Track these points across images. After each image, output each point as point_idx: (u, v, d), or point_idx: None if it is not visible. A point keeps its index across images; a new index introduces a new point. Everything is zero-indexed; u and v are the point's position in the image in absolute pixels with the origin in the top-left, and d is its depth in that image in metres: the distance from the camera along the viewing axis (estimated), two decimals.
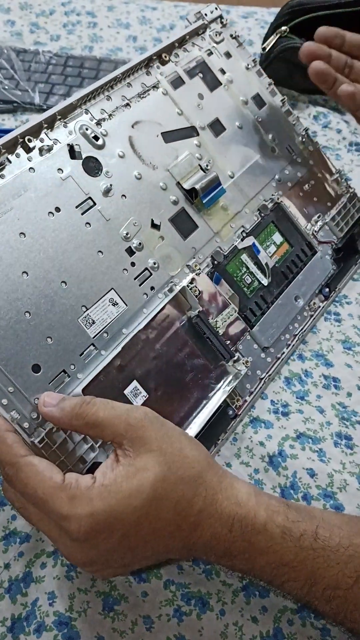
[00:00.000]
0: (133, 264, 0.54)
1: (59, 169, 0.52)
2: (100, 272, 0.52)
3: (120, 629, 0.47)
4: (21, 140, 0.50)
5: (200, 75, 0.64)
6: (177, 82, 0.62)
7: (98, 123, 0.55)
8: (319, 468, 0.55)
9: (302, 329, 0.63)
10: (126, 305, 0.52)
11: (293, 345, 0.62)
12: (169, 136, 0.59)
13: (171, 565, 0.50)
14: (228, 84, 0.66)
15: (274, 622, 0.48)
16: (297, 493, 0.54)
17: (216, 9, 0.68)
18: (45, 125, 0.52)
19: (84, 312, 0.50)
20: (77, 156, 0.53)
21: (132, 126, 0.57)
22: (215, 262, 0.59)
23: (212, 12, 0.67)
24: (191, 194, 0.59)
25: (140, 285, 0.54)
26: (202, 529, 0.42)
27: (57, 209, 0.50)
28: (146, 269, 0.54)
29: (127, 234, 0.54)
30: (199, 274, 0.57)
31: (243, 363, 0.57)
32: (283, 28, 0.85)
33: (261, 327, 0.60)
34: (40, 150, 0.51)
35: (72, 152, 0.53)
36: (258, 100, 0.68)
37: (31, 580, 0.49)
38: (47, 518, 0.42)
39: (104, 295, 0.51)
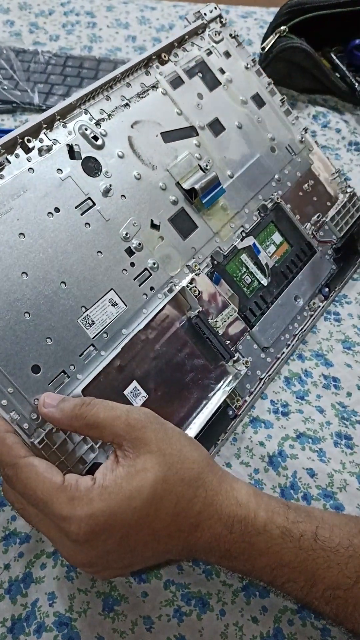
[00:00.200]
0: (133, 264, 0.54)
1: (59, 169, 0.52)
2: (99, 272, 0.51)
3: (121, 629, 0.47)
4: (20, 140, 0.50)
5: (200, 75, 0.64)
6: (176, 82, 0.62)
7: (97, 123, 0.55)
8: (319, 468, 0.55)
9: (301, 329, 0.63)
10: (126, 305, 0.52)
11: (293, 345, 0.62)
12: (169, 136, 0.59)
13: (171, 565, 0.50)
14: (227, 84, 0.66)
15: (274, 622, 0.48)
16: (297, 493, 0.54)
17: (215, 8, 0.67)
18: (45, 126, 0.52)
19: (84, 312, 0.50)
20: (77, 156, 0.53)
21: (132, 126, 0.57)
22: (215, 262, 0.59)
23: (211, 12, 0.67)
24: (191, 194, 0.59)
25: (139, 285, 0.54)
26: (202, 529, 0.42)
27: (57, 210, 0.50)
28: (146, 269, 0.54)
29: (126, 234, 0.54)
30: (199, 274, 0.57)
31: (243, 363, 0.57)
32: (282, 28, 0.85)
33: (261, 327, 0.60)
34: (40, 150, 0.51)
35: (72, 153, 0.53)
36: (257, 100, 0.68)
37: (31, 580, 0.49)
38: (46, 519, 0.42)
39: (103, 296, 0.51)
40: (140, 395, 0.51)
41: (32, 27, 1.01)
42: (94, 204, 0.53)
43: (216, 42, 0.66)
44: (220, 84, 0.65)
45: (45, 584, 0.49)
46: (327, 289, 0.67)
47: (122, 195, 0.55)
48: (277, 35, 0.85)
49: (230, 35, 0.68)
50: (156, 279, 0.55)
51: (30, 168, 0.50)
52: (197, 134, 0.62)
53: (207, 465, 0.44)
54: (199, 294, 0.56)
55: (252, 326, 0.60)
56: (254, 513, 0.43)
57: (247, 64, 0.68)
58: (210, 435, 0.54)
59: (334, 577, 0.42)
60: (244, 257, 0.61)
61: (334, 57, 0.88)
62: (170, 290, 0.55)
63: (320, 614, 0.48)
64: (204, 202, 0.59)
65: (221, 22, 0.68)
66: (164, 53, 0.62)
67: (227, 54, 0.67)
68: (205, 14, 0.67)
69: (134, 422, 0.42)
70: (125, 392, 0.50)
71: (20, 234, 0.48)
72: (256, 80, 0.69)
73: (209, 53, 0.66)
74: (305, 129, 0.70)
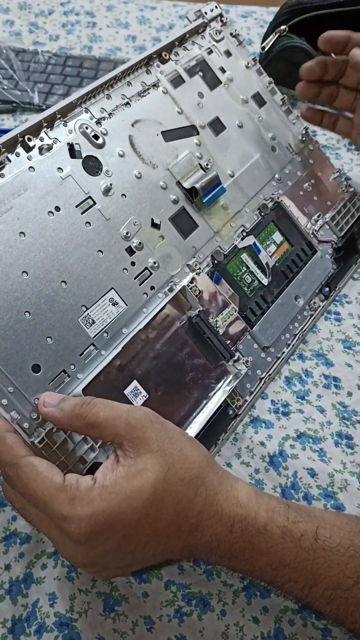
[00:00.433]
0: (133, 264, 0.54)
1: (59, 168, 0.51)
2: (100, 271, 0.51)
3: (121, 629, 0.47)
4: (21, 139, 0.50)
5: (200, 73, 0.64)
6: (177, 81, 0.62)
7: (98, 122, 0.55)
8: (320, 468, 0.55)
9: (302, 329, 0.63)
10: (126, 304, 0.52)
11: (293, 344, 0.62)
12: (169, 135, 0.59)
13: (172, 565, 0.50)
14: (228, 83, 0.66)
15: (275, 623, 0.48)
16: (297, 493, 0.54)
17: (216, 7, 0.67)
18: (45, 124, 0.52)
19: (84, 311, 0.50)
20: (77, 155, 0.53)
21: (132, 125, 0.57)
22: (216, 261, 0.59)
23: (212, 11, 0.67)
24: (191, 193, 0.59)
25: (140, 284, 0.54)
26: (202, 529, 0.42)
27: (57, 208, 0.50)
28: (146, 268, 0.54)
29: (127, 233, 0.54)
30: (199, 273, 0.57)
31: (243, 363, 0.57)
32: (282, 27, 0.85)
33: (261, 327, 0.60)
34: (40, 149, 0.51)
35: (72, 151, 0.53)
36: (258, 99, 0.68)
37: (32, 581, 0.49)
38: (47, 519, 0.42)
39: (104, 295, 0.51)
40: (141, 394, 0.50)
41: (32, 27, 1.01)
42: (95, 203, 0.53)
43: (217, 41, 0.66)
44: (221, 83, 0.65)
45: (45, 584, 0.49)
46: (327, 289, 0.66)
47: (123, 194, 0.54)
48: (277, 34, 0.85)
49: (231, 34, 0.68)
50: (157, 278, 0.55)
51: (30, 167, 0.50)
52: (198, 133, 0.61)
53: (208, 464, 0.44)
54: (199, 293, 0.56)
55: (252, 326, 0.60)
56: (254, 513, 0.43)
57: (248, 63, 0.68)
58: (210, 434, 0.54)
59: (335, 577, 0.42)
60: (245, 256, 0.61)
61: (334, 57, 0.88)
62: (171, 290, 0.55)
63: (321, 614, 0.48)
64: (204, 201, 0.59)
65: (222, 21, 0.68)
66: (164, 52, 0.62)
67: (228, 53, 0.67)
68: (205, 13, 0.67)
69: (134, 421, 0.42)
70: (126, 392, 0.50)
71: (21, 232, 0.48)
72: (257, 79, 0.69)
73: (210, 52, 0.66)
74: (306, 129, 0.70)
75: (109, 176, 0.54)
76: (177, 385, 0.53)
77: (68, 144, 0.53)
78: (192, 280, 0.56)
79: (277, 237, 0.64)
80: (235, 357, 0.57)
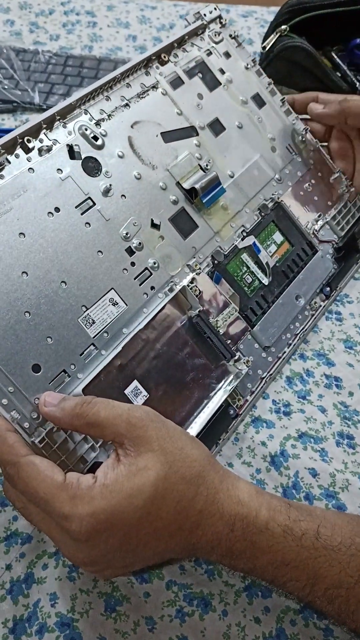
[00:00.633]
0: (133, 264, 0.54)
1: (59, 169, 0.51)
2: (100, 272, 0.51)
3: (123, 629, 0.47)
4: (20, 140, 0.50)
5: (200, 75, 0.64)
6: (176, 82, 0.62)
7: (97, 123, 0.55)
8: (321, 468, 0.55)
9: (303, 328, 0.63)
10: (126, 305, 0.52)
11: (294, 344, 0.62)
12: (169, 136, 0.59)
13: (173, 565, 0.50)
14: (227, 84, 0.66)
15: (276, 623, 0.48)
16: (299, 493, 0.54)
17: (215, 9, 0.67)
18: (45, 126, 0.52)
19: (84, 311, 0.50)
20: (77, 156, 0.53)
21: (132, 126, 0.57)
22: (216, 261, 0.59)
23: (211, 13, 0.67)
24: (191, 194, 0.58)
25: (140, 285, 0.54)
26: (203, 528, 0.42)
27: (57, 209, 0.50)
28: (146, 268, 0.54)
29: (127, 233, 0.54)
30: (199, 273, 0.57)
31: (244, 362, 0.57)
32: (283, 27, 0.85)
33: (262, 327, 0.60)
34: (40, 150, 0.51)
35: (72, 153, 0.53)
36: (258, 100, 0.68)
37: (33, 581, 0.49)
38: (48, 518, 0.42)
39: (104, 295, 0.51)
40: (141, 394, 0.50)
41: (33, 27, 1.01)
42: (94, 204, 0.53)
43: (216, 43, 0.66)
44: (221, 84, 0.65)
45: (47, 584, 0.49)
46: (328, 289, 0.66)
47: (123, 195, 0.54)
48: (278, 34, 0.85)
49: (230, 35, 0.68)
50: (157, 279, 0.55)
51: (30, 168, 0.50)
52: (197, 134, 0.61)
53: (209, 463, 0.44)
54: (199, 293, 0.56)
55: (253, 325, 0.60)
56: (255, 511, 0.43)
57: (247, 64, 0.68)
58: (211, 434, 0.54)
59: (336, 575, 0.42)
60: (245, 256, 0.61)
61: (335, 57, 0.88)
62: (171, 290, 0.55)
63: (322, 614, 0.48)
64: (204, 201, 0.59)
65: (221, 22, 0.68)
66: (163, 53, 0.62)
67: (227, 55, 0.67)
68: (204, 15, 0.67)
69: (135, 420, 0.42)
70: (126, 392, 0.50)
71: (21, 233, 0.48)
72: (256, 80, 0.69)
73: (209, 53, 0.66)
74: (306, 129, 0.70)
75: (108, 177, 0.54)
76: (177, 385, 0.53)
77: (67, 145, 0.53)
78: (192, 280, 0.56)
79: (278, 237, 0.64)
80: (236, 357, 0.57)
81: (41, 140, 0.51)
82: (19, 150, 0.50)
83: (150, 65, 0.61)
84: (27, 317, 0.47)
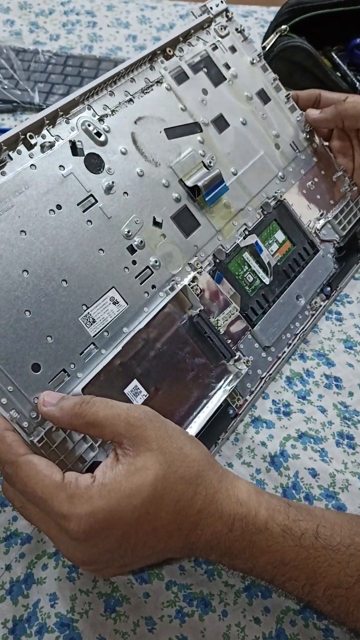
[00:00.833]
0: (134, 262, 0.53)
1: (61, 166, 0.51)
2: (101, 270, 0.51)
3: (123, 630, 0.47)
4: (22, 136, 0.50)
5: (205, 70, 0.64)
6: (181, 77, 0.61)
7: (101, 119, 0.55)
8: (321, 468, 0.55)
9: (303, 328, 0.63)
10: (127, 303, 0.52)
11: (294, 344, 0.62)
12: (172, 132, 0.59)
13: (173, 566, 0.50)
14: (232, 79, 0.65)
15: (276, 623, 0.48)
16: (299, 493, 0.54)
17: (222, 2, 0.67)
18: (47, 122, 0.51)
19: (85, 310, 0.50)
20: (79, 153, 0.52)
21: (135, 122, 0.57)
22: (217, 260, 0.59)
23: (217, 6, 0.66)
24: (194, 192, 0.58)
25: (141, 283, 0.53)
26: (202, 527, 0.42)
27: (58, 207, 0.50)
28: (147, 267, 0.54)
29: (128, 231, 0.53)
30: (201, 272, 0.57)
31: (244, 362, 0.57)
32: (283, 27, 0.85)
33: (262, 326, 0.60)
34: (42, 146, 0.51)
35: (74, 149, 0.52)
36: (262, 96, 0.67)
37: (32, 581, 0.49)
38: (46, 517, 0.42)
39: (104, 294, 0.51)
40: (141, 394, 0.50)
41: (33, 27, 1.00)
42: (96, 201, 0.52)
43: (222, 37, 0.66)
44: (226, 79, 0.65)
45: (46, 584, 0.48)
46: (329, 288, 0.66)
47: (125, 192, 0.54)
48: (278, 34, 0.85)
49: (236, 29, 0.67)
50: (158, 277, 0.54)
51: (32, 165, 0.50)
52: (201, 131, 0.61)
53: (208, 463, 0.44)
54: (200, 292, 0.56)
55: (253, 325, 0.60)
56: (254, 511, 0.43)
57: (253, 59, 0.68)
58: (210, 434, 0.54)
59: (335, 575, 0.42)
60: (246, 255, 0.61)
61: (335, 56, 0.88)
62: (172, 289, 0.54)
63: (322, 614, 0.48)
64: (206, 199, 0.58)
65: (227, 16, 0.67)
66: (169, 48, 0.61)
67: (233, 49, 0.67)
68: (211, 8, 0.66)
69: (133, 420, 0.42)
70: (126, 391, 0.50)
71: (22, 231, 0.48)
72: (261, 75, 0.68)
73: (215, 48, 0.65)
74: (310, 126, 0.70)
75: (111, 174, 0.54)
76: (177, 384, 0.53)
77: (70, 141, 0.52)
78: (194, 279, 0.55)
79: (280, 236, 0.64)
80: (236, 357, 0.56)
81: (43, 137, 0.51)
82: (21, 147, 0.50)
83: (155, 59, 0.60)
84: (27, 316, 0.47)
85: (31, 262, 0.48)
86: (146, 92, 0.58)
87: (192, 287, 0.55)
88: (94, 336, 0.50)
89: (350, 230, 0.69)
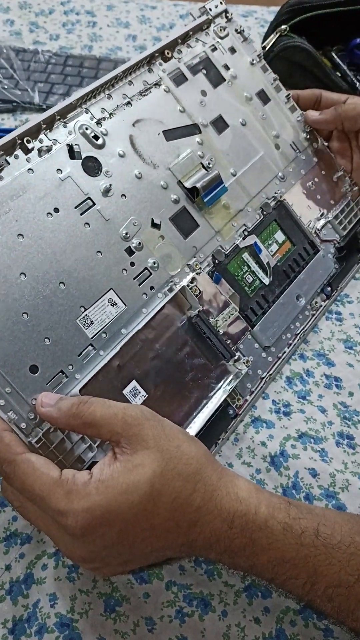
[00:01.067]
0: (132, 264, 0.53)
1: (58, 170, 0.51)
2: (99, 272, 0.51)
3: (122, 630, 0.47)
4: (19, 141, 0.50)
5: (204, 71, 0.64)
6: (179, 79, 0.61)
7: (98, 122, 0.55)
8: (321, 468, 0.55)
9: (303, 328, 0.63)
10: (125, 305, 0.52)
11: (294, 344, 0.62)
12: (171, 134, 0.59)
13: (173, 566, 0.50)
14: (232, 80, 0.65)
15: (276, 623, 0.48)
16: (299, 493, 0.54)
17: (221, 3, 0.67)
18: (44, 126, 0.52)
19: (83, 312, 0.50)
20: (77, 156, 0.53)
21: (133, 125, 0.57)
22: (216, 261, 0.59)
23: (216, 7, 0.66)
24: (192, 193, 0.58)
25: (139, 285, 0.53)
26: (201, 525, 0.42)
27: (56, 210, 0.50)
28: (146, 268, 0.54)
29: (126, 233, 0.53)
30: (200, 273, 0.57)
31: (244, 362, 0.57)
32: (283, 27, 0.84)
33: (262, 327, 0.60)
34: (39, 151, 0.51)
35: (72, 152, 0.52)
36: (262, 96, 0.67)
37: (32, 581, 0.49)
38: (45, 515, 0.42)
39: (102, 296, 0.51)
40: (140, 394, 0.50)
41: (32, 27, 1.01)
42: (94, 204, 0.52)
43: (221, 38, 0.66)
44: (225, 80, 0.65)
45: (46, 584, 0.49)
46: (329, 288, 0.66)
47: (123, 195, 0.54)
48: (278, 34, 0.85)
49: (236, 30, 0.67)
50: (156, 279, 0.55)
51: (29, 169, 0.50)
52: (200, 132, 0.61)
53: (207, 461, 0.44)
54: (199, 293, 0.56)
55: (253, 325, 0.60)
56: (254, 509, 0.43)
57: (253, 60, 0.68)
58: (210, 434, 0.54)
59: (336, 574, 0.42)
60: (246, 255, 0.61)
61: (335, 56, 0.88)
62: (171, 290, 0.54)
63: (322, 613, 0.48)
64: (205, 200, 0.58)
65: (227, 17, 0.67)
66: (167, 50, 0.61)
67: (232, 50, 0.67)
68: (210, 10, 0.66)
69: (130, 419, 0.43)
70: (125, 392, 0.50)
71: (19, 234, 0.48)
72: (261, 76, 0.68)
73: (214, 49, 0.65)
74: (311, 126, 0.70)
75: (108, 177, 0.54)
76: (176, 385, 0.53)
77: (67, 145, 0.52)
78: (192, 280, 0.56)
79: (279, 236, 0.64)
80: (236, 357, 0.57)
81: (41, 141, 0.51)
82: (18, 151, 0.50)
83: (153, 62, 0.60)
84: (25, 318, 0.47)
85: (29, 265, 0.48)
86: (144, 95, 0.59)
87: (190, 288, 0.55)
88: (92, 338, 0.50)
89: (351, 230, 0.69)
